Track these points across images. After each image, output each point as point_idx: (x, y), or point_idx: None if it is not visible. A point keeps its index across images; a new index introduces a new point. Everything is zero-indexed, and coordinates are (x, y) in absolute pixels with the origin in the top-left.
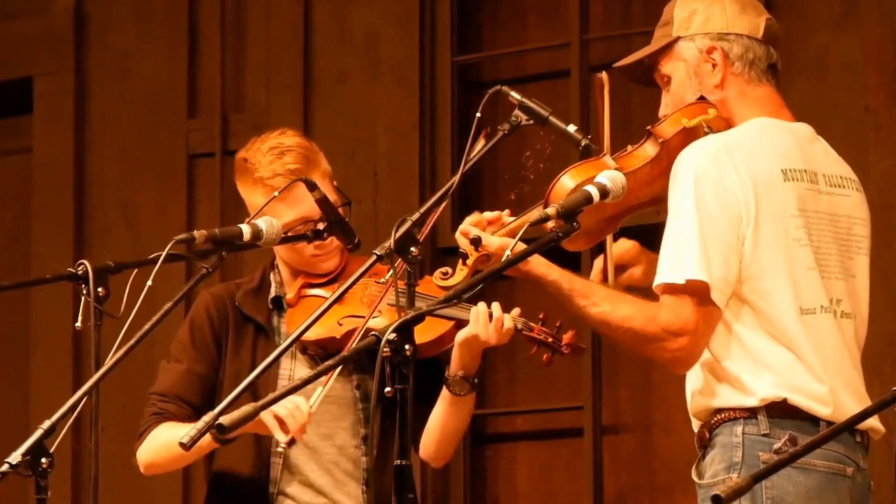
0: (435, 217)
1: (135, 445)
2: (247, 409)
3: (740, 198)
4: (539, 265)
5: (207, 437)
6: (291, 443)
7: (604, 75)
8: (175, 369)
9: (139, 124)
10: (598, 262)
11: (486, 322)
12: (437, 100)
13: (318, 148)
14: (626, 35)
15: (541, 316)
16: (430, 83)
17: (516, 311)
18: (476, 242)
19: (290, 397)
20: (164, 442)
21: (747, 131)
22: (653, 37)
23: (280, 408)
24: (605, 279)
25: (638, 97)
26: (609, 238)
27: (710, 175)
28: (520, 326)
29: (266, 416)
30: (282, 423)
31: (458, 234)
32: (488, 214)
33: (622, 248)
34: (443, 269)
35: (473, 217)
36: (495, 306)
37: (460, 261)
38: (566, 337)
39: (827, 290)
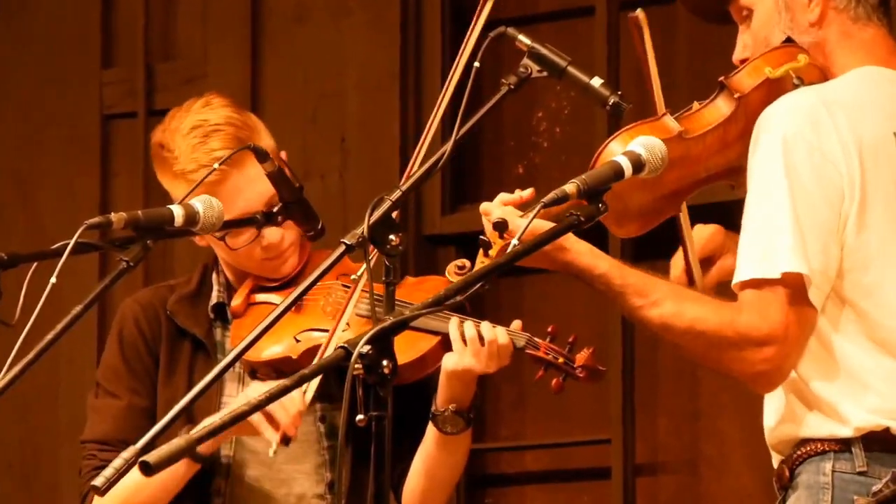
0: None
1: None
2: (178, 442)
3: (842, 169)
4: (583, 255)
5: (184, 464)
6: (286, 441)
7: (640, 14)
8: (111, 407)
9: (40, 76)
10: (676, 261)
11: (475, 346)
12: (424, 45)
13: (256, 120)
14: None
15: (549, 330)
16: (415, 23)
17: (516, 324)
18: (500, 227)
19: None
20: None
21: (849, 84)
22: None
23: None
24: (690, 281)
25: (683, 37)
26: (685, 225)
27: (803, 140)
28: (521, 344)
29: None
30: (270, 418)
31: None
32: (506, 197)
33: (701, 235)
34: (458, 263)
35: (498, 199)
36: (485, 325)
37: (481, 251)
38: (581, 357)
39: None
